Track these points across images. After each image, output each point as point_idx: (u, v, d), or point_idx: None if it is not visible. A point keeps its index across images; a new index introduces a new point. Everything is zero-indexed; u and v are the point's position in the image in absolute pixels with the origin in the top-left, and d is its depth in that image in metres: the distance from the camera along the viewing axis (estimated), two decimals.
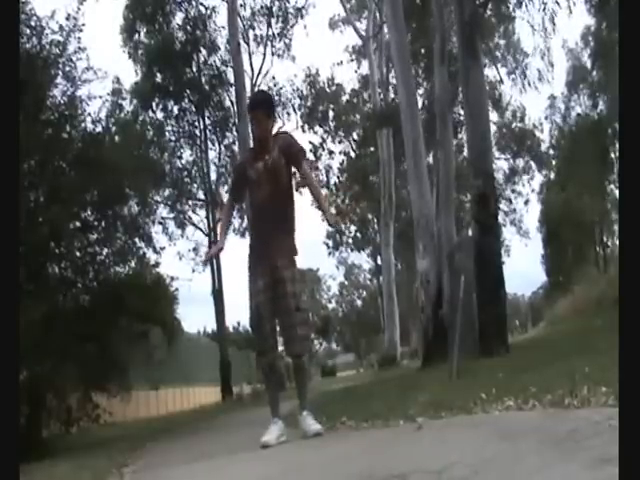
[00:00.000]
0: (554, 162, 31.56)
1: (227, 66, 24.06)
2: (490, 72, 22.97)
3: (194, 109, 24.63)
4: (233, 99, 23.61)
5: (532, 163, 30.44)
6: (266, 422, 4.22)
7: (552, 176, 33.65)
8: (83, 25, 9.60)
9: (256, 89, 24.37)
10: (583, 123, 30.57)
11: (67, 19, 9.46)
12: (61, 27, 9.41)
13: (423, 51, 19.06)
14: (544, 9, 14.21)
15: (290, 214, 4.34)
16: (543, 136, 30.55)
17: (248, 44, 24.26)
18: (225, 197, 26.08)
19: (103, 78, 9.92)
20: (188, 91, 24.30)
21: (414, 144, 12.68)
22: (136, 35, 23.87)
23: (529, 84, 22.01)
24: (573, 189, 30.60)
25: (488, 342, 9.02)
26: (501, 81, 24.44)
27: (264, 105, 4.40)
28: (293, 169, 4.38)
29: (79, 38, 9.56)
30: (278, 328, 4.29)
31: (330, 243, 37.20)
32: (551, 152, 30.89)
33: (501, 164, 29.26)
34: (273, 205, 4.23)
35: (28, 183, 9.05)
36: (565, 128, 31.86)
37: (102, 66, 10.04)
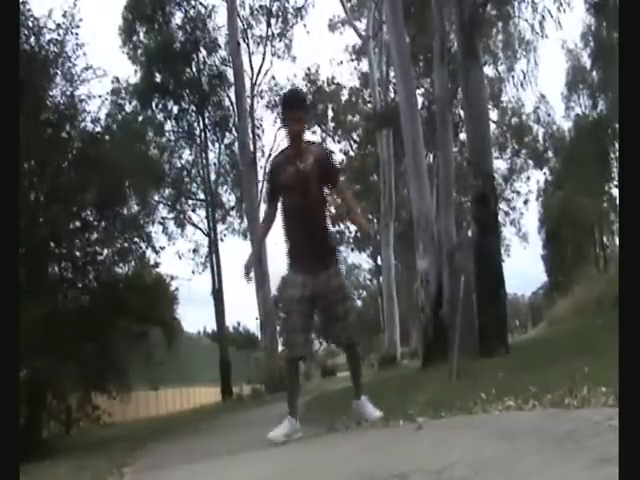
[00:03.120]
0: (552, 162, 31.53)
1: (227, 66, 24.07)
2: (490, 70, 23.00)
3: (194, 109, 24.63)
4: (233, 99, 23.62)
5: (530, 162, 30.43)
6: (266, 422, 4.23)
7: (551, 176, 33.67)
8: (80, 21, 9.57)
9: (256, 89, 24.42)
10: (583, 123, 30.57)
11: (64, 16, 9.44)
12: (58, 25, 9.39)
13: (423, 50, 19.05)
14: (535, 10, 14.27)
15: (325, 217, 4.38)
16: (540, 135, 30.54)
17: (248, 44, 24.27)
18: (224, 197, 26.13)
19: (102, 77, 9.90)
20: (188, 91, 24.30)
21: (414, 144, 12.68)
22: (135, 35, 23.88)
23: (524, 77, 21.97)
24: (573, 189, 30.60)
25: (488, 342, 9.03)
26: (501, 80, 24.43)
27: (303, 104, 4.44)
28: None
29: (77, 35, 9.53)
30: (322, 324, 4.36)
31: None
32: (549, 154, 30.84)
33: (500, 164, 29.25)
34: (307, 208, 4.23)
35: (28, 183, 9.04)
36: (558, 128, 31.83)
37: (101, 65, 10.02)
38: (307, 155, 4.26)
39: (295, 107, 4.30)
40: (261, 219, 4.29)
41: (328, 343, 5.22)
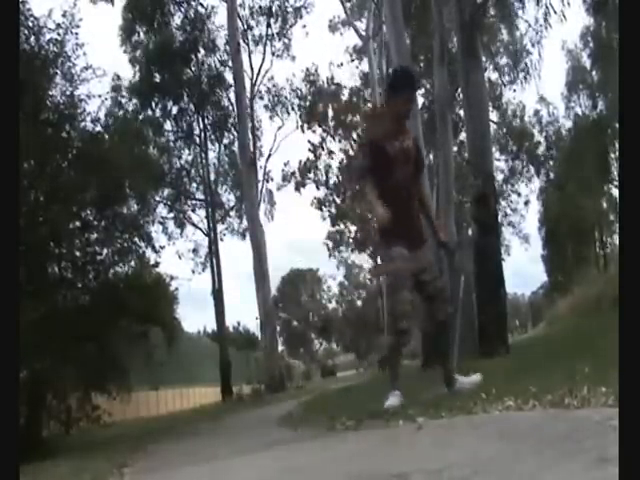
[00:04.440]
0: (552, 163, 31.53)
1: (226, 66, 24.07)
2: (492, 74, 23.00)
3: (193, 109, 24.64)
4: (232, 99, 23.61)
5: (530, 165, 30.42)
6: (266, 423, 4.22)
7: (551, 176, 33.65)
8: (80, 20, 9.60)
9: (255, 89, 24.41)
10: (583, 123, 30.58)
11: (63, 16, 9.47)
12: (58, 25, 9.41)
13: (423, 51, 19.04)
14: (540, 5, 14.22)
15: (417, 197, 4.42)
16: (540, 136, 30.54)
17: (247, 44, 24.27)
18: (223, 197, 26.12)
19: (102, 76, 9.93)
20: (187, 91, 24.31)
21: None
22: (135, 35, 23.89)
23: (525, 79, 21.95)
24: (572, 189, 30.61)
25: (488, 342, 9.02)
26: (502, 83, 24.43)
27: (415, 84, 4.56)
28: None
29: (77, 34, 9.58)
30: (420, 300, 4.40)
31: (330, 244, 37.13)
32: (551, 153, 30.83)
33: (501, 165, 29.24)
34: (407, 184, 4.26)
35: (28, 183, 9.04)
36: (559, 128, 31.82)
37: (100, 64, 10.03)
38: (408, 134, 4.35)
39: (407, 87, 4.31)
40: (371, 196, 4.13)
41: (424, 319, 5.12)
